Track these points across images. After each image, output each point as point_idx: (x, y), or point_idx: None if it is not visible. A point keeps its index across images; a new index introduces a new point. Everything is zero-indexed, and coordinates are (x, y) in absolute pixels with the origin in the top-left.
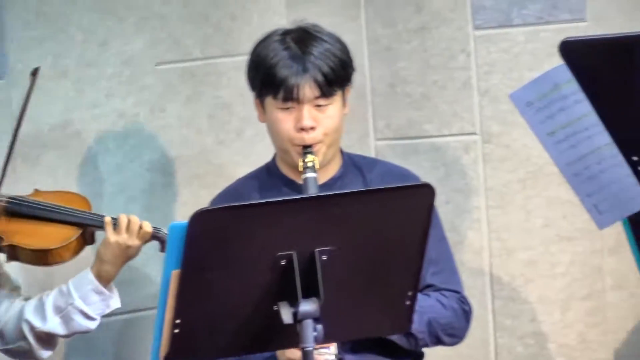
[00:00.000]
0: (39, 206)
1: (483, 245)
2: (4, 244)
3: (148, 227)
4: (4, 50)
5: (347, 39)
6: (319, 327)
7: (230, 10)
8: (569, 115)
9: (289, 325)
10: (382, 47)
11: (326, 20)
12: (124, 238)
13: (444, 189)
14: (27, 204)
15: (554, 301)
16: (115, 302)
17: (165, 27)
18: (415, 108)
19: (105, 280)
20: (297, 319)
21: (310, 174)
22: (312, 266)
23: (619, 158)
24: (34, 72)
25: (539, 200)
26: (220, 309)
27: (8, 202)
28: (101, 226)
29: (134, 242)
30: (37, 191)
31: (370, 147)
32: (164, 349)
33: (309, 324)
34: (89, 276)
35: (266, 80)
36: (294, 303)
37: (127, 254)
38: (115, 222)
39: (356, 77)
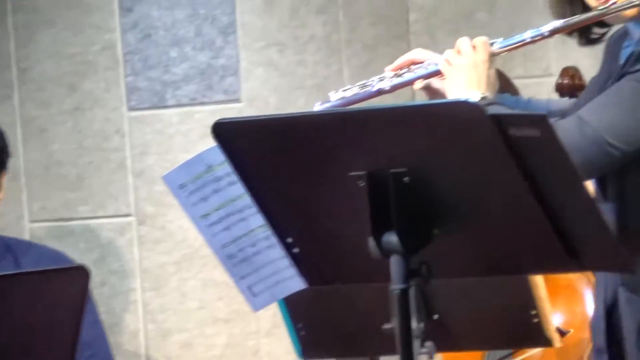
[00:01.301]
0: None
1: (139, 327)
2: None
3: None
4: None
5: (1, 121)
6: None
7: None
8: (222, 197)
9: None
10: (37, 128)
11: None
12: None
13: (100, 270)
14: None
15: None
16: None
17: None
18: (70, 190)
19: None
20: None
21: None
22: None
23: (273, 240)
24: None
25: (195, 283)
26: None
27: None
28: None
29: None
30: None
31: (24, 230)
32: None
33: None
34: None
35: None
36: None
37: None
38: None
39: (10, 160)
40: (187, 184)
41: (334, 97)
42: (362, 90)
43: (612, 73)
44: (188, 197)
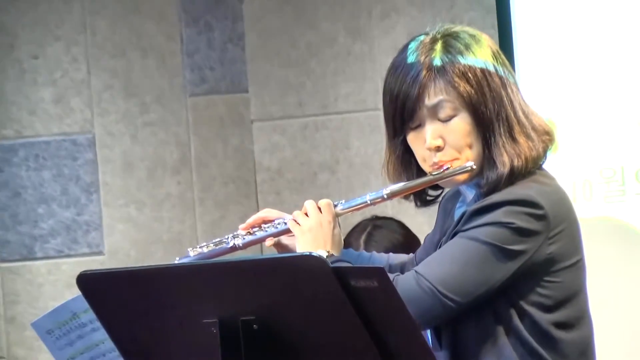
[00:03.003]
0: None
1: None
2: None
3: None
4: None
5: None
6: None
7: None
8: (86, 341)
9: None
10: None
11: None
12: None
13: None
14: None
15: None
16: None
17: None
18: None
19: None
20: None
21: None
22: None
23: None
24: None
25: None
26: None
27: None
28: None
29: None
30: None
31: None
32: None
33: None
34: None
35: None
36: None
37: None
38: None
39: None
40: (54, 330)
41: (193, 253)
42: (218, 247)
43: (445, 230)
44: (55, 342)
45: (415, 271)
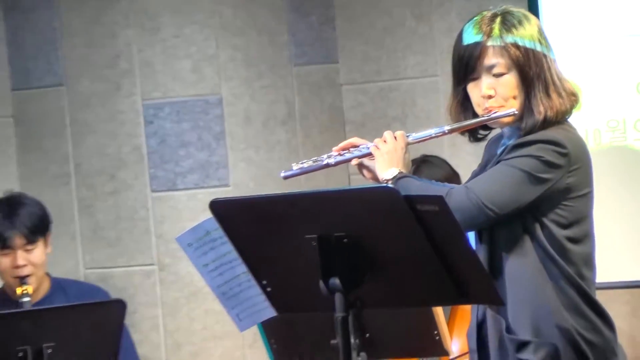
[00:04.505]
0: None
1: (160, 342)
2: None
3: None
4: None
5: (62, 200)
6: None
7: None
8: (217, 252)
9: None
10: (86, 205)
11: None
12: None
13: (132, 302)
14: None
15: None
16: None
17: None
18: (111, 247)
19: None
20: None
21: None
22: None
23: (253, 282)
24: None
25: (199, 311)
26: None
27: None
28: None
29: None
30: None
31: (81, 275)
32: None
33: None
34: None
35: None
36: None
37: None
38: None
39: (70, 225)
40: (192, 243)
41: (295, 167)
42: (315, 164)
43: (490, 160)
44: (193, 252)
45: (466, 186)
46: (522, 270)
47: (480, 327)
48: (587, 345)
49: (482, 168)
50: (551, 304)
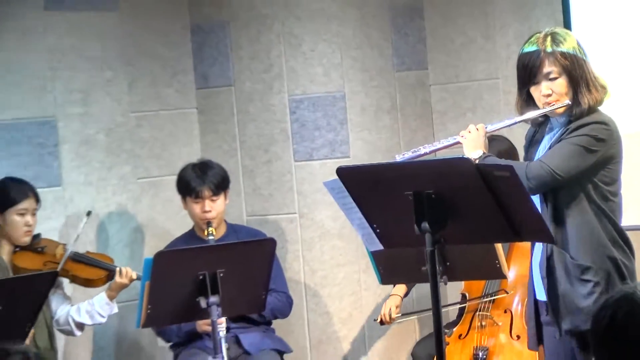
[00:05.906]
0: (89, 259)
1: (300, 269)
2: (69, 274)
3: (133, 275)
4: None
5: (231, 168)
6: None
7: None
8: (347, 200)
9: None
10: (249, 173)
11: None
12: (122, 279)
13: (280, 240)
14: (83, 256)
15: (333, 294)
16: (114, 309)
17: None
18: (266, 200)
19: (110, 298)
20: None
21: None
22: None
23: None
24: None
25: (327, 247)
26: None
27: (73, 255)
28: (114, 271)
29: (126, 281)
30: (88, 252)
31: (244, 221)
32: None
33: (214, 308)
34: (104, 295)
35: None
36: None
37: (122, 286)
38: (120, 270)
39: (236, 187)
40: (335, 188)
41: (399, 158)
42: (415, 153)
43: (537, 139)
44: (336, 194)
45: (540, 160)
46: (579, 218)
47: (548, 260)
48: (626, 269)
49: (531, 143)
50: (601, 240)
